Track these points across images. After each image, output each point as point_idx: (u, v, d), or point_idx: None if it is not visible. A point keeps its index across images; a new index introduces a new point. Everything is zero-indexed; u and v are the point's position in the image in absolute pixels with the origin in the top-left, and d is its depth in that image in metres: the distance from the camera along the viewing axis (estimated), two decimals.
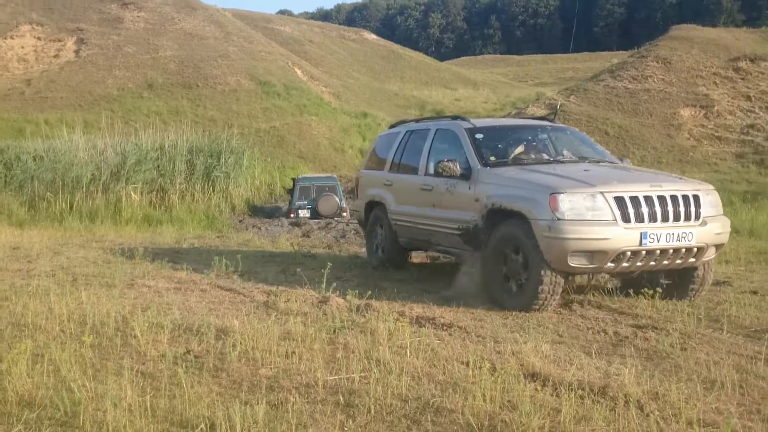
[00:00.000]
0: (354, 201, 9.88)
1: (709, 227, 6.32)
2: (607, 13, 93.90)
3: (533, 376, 4.21)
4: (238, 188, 21.81)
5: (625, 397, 3.83)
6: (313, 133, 31.81)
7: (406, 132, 8.88)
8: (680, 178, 6.87)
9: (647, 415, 3.63)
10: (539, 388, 4.04)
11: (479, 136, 7.60)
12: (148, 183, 19.69)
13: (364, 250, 10.64)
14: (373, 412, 3.77)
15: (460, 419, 3.63)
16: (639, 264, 6.18)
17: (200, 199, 19.93)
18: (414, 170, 8.28)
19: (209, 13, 41.63)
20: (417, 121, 9.49)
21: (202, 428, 3.60)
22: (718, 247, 6.57)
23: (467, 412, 3.65)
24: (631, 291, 6.73)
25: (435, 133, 8.21)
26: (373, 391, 3.94)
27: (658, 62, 33.33)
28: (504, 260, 6.53)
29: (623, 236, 5.96)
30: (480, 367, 4.25)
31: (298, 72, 38.87)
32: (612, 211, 6.00)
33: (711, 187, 6.71)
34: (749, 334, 5.32)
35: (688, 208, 6.24)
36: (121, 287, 6.97)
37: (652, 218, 6.08)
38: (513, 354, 4.63)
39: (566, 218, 5.96)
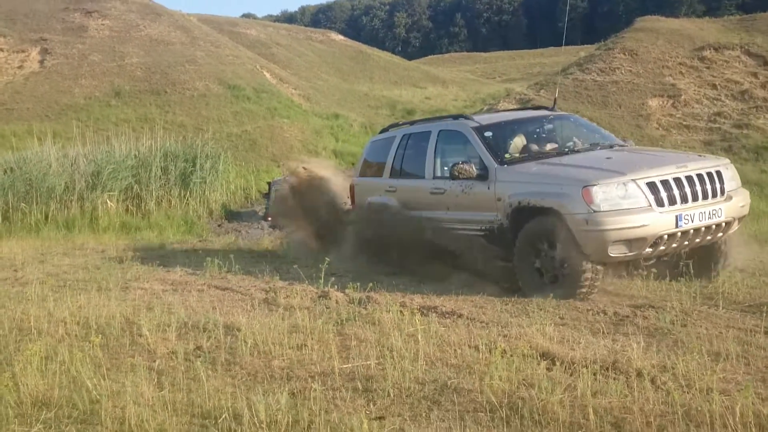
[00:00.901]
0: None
1: (734, 201, 6.45)
2: (570, 8, 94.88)
3: (543, 355, 4.32)
4: (214, 193, 21.69)
5: (636, 370, 3.95)
6: (285, 136, 31.66)
7: (404, 135, 8.70)
8: (699, 156, 6.92)
9: (659, 387, 3.74)
10: (551, 366, 4.14)
11: (488, 134, 7.49)
12: (124, 190, 19.54)
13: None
14: (392, 395, 3.84)
15: (479, 398, 3.72)
16: (674, 246, 6.24)
17: (177, 205, 19.80)
18: (420, 174, 8.11)
19: (174, 18, 41.28)
20: (411, 123, 9.37)
21: (225, 418, 3.64)
22: (740, 219, 6.70)
23: (486, 391, 3.74)
24: (624, 274, 6.84)
25: (438, 135, 8.05)
26: (391, 375, 4.01)
27: (624, 54, 33.78)
28: (536, 256, 6.48)
29: (660, 221, 6.00)
30: (491, 350, 4.35)
31: (267, 75, 38.69)
32: (646, 197, 6.03)
33: (728, 161, 6.79)
34: (744, 309, 5.49)
35: (714, 185, 6.32)
36: (116, 290, 6.94)
37: (684, 199, 6.13)
38: (519, 337, 4.73)
39: (602, 209, 5.95)
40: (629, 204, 6.00)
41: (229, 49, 40.16)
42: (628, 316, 5.38)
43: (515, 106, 30.73)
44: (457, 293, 6.46)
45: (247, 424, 3.52)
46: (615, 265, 6.50)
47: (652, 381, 3.80)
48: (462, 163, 7.18)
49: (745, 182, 22.67)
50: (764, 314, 4.99)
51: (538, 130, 7.89)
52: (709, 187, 6.28)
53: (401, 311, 5.35)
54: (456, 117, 8.29)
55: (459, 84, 44.17)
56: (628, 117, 30.07)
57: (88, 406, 3.86)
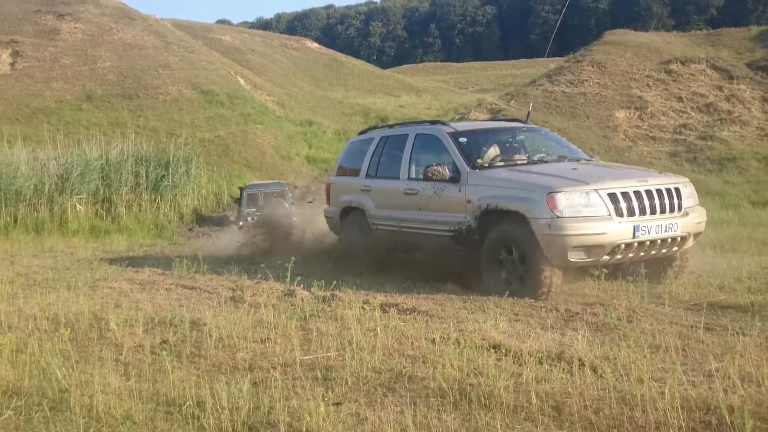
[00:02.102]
0: (327, 208, 9.93)
1: (690, 217, 6.78)
2: (542, 21, 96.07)
3: (494, 347, 4.54)
4: (185, 197, 21.73)
5: (580, 360, 4.19)
6: (258, 142, 31.74)
7: (381, 138, 9.01)
8: (660, 173, 7.26)
9: (600, 375, 3.98)
10: (501, 357, 4.37)
11: (463, 139, 7.80)
12: (93, 194, 19.52)
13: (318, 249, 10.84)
14: (350, 383, 4.04)
15: (431, 385, 3.94)
16: (631, 255, 6.54)
17: (148, 209, 19.83)
18: (395, 175, 8.40)
19: (148, 23, 41.18)
20: (390, 126, 9.68)
21: (189, 405, 3.81)
22: (696, 235, 7.02)
23: (438, 379, 3.95)
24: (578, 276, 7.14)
25: (415, 138, 8.35)
26: (349, 365, 4.21)
27: (593, 66, 34.41)
28: (501, 260, 6.80)
29: (618, 230, 6.29)
30: (446, 342, 4.57)
31: (241, 81, 38.73)
32: (606, 206, 6.33)
33: (687, 179, 7.15)
34: (689, 307, 5.78)
35: (672, 201, 6.65)
36: (84, 289, 7.07)
37: (643, 212, 6.45)
38: (474, 331, 4.95)
39: (564, 215, 6.26)
40: (590, 212, 6.31)
41: (203, 55, 40.16)
42: (578, 313, 5.64)
43: (486, 116, 31.17)
44: (418, 292, 6.69)
45: (210, 410, 3.69)
46: (573, 270, 6.80)
47: (594, 370, 4.04)
48: (436, 165, 7.48)
49: (709, 192, 23.31)
50: (705, 312, 5.27)
51: (510, 139, 8.25)
52: (667, 202, 6.61)
53: (363, 308, 5.56)
54: (433, 122, 8.66)
55: (432, 93, 44.57)
56: (595, 128, 30.63)
57: (58, 395, 4.00)
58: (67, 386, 4.11)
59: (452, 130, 7.99)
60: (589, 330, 5.02)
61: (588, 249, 6.30)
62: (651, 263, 6.99)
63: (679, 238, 6.69)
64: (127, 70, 34.98)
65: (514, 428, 3.36)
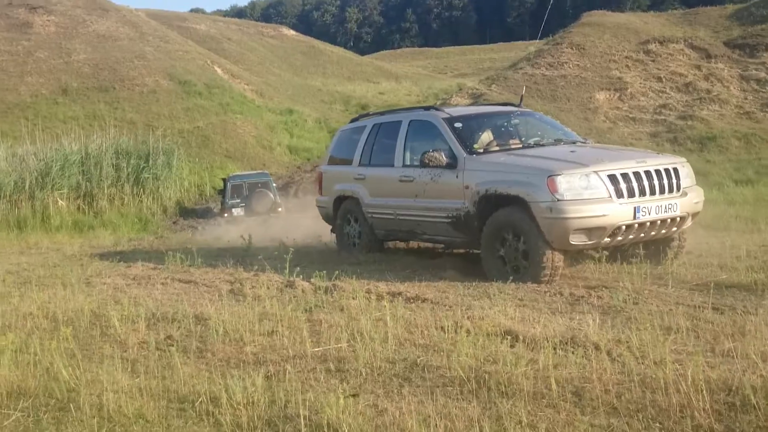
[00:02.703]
0: (319, 197, 9.84)
1: (688, 197, 6.78)
2: (519, 4, 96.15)
3: (505, 334, 4.51)
4: (168, 190, 21.53)
5: (593, 344, 4.18)
6: (238, 132, 31.48)
7: (374, 125, 8.90)
8: (657, 153, 7.22)
9: (615, 359, 3.97)
10: (513, 343, 4.34)
11: (458, 125, 7.70)
12: (75, 188, 19.27)
13: (310, 241, 10.79)
14: (364, 374, 4.00)
15: (447, 374, 3.90)
16: (631, 237, 6.52)
17: (131, 203, 19.62)
18: (389, 162, 8.30)
19: (122, 14, 40.61)
20: (382, 113, 9.53)
21: (202, 401, 3.75)
22: (694, 215, 7.04)
23: (454, 367, 3.92)
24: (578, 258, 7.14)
25: (409, 125, 8.25)
26: (362, 356, 4.16)
27: (572, 49, 34.46)
28: (502, 245, 6.73)
29: (619, 212, 6.27)
30: (456, 331, 4.54)
31: (218, 70, 38.37)
32: (607, 188, 6.29)
33: (684, 159, 7.13)
34: (692, 288, 5.79)
35: (670, 181, 6.63)
36: (79, 285, 6.94)
37: (643, 193, 6.42)
38: (482, 318, 4.92)
39: (566, 198, 6.21)
40: (591, 194, 6.26)
41: (179, 45, 39.73)
42: (583, 297, 5.63)
43: (468, 101, 31.14)
44: (419, 280, 6.64)
45: (225, 406, 3.63)
46: (574, 253, 6.79)
47: (608, 353, 4.02)
48: (432, 151, 7.38)
49: None
50: (711, 292, 5.27)
51: (505, 124, 8.19)
52: (666, 182, 6.58)
53: (367, 297, 5.51)
54: (427, 108, 8.56)
55: (412, 79, 44.44)
56: (576, 110, 30.71)
57: (66, 394, 3.92)
58: (74, 386, 4.03)
59: (447, 116, 7.93)
60: (596, 313, 5.01)
61: (589, 231, 6.26)
62: (650, 244, 6.97)
63: (678, 218, 6.68)
64: (102, 62, 34.51)
65: (537, 415, 3.33)
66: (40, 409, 3.83)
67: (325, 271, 6.61)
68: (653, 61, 33.46)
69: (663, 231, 6.69)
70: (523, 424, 3.21)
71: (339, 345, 4.44)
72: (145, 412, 3.72)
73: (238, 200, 20.30)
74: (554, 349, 4.09)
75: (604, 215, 6.22)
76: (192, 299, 6.17)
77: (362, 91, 38.41)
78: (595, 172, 6.32)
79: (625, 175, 6.38)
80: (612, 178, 6.33)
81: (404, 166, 8.07)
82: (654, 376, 3.57)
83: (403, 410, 3.44)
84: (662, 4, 73.73)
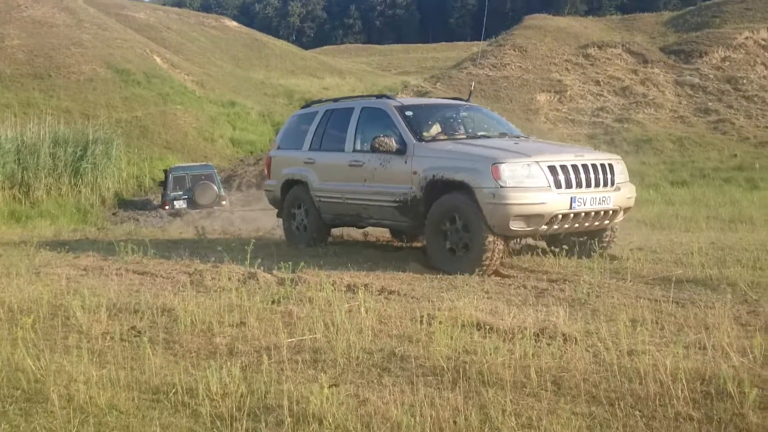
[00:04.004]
0: (267, 181, 9.90)
1: (621, 192, 7.15)
2: (461, 5, 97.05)
3: (476, 325, 4.56)
4: (106, 180, 20.97)
5: (563, 335, 4.26)
6: (179, 123, 30.85)
7: (326, 111, 9.04)
8: (594, 150, 7.58)
9: (587, 349, 4.06)
10: (486, 334, 4.39)
11: (409, 113, 7.94)
12: (9, 177, 18.59)
13: (262, 233, 10.70)
14: (342, 364, 3.98)
15: (426, 363, 3.92)
16: (567, 226, 6.86)
17: (69, 193, 19.05)
18: (339, 148, 8.43)
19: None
20: (335, 100, 9.66)
21: (176, 392, 3.67)
22: (626, 210, 7.40)
23: (432, 357, 3.94)
24: (539, 251, 7.30)
25: (361, 111, 8.43)
26: (340, 347, 4.14)
27: (515, 50, 35.04)
28: (445, 229, 6.97)
29: (557, 201, 6.59)
30: (430, 322, 4.56)
31: (158, 60, 37.52)
32: (546, 178, 6.61)
33: (619, 157, 7.50)
34: (649, 282, 5.97)
35: (605, 176, 6.98)
36: (29, 276, 6.70)
37: (579, 184, 6.76)
38: (452, 309, 4.95)
39: (508, 185, 6.49)
40: (531, 183, 6.58)
41: (118, 33, 38.70)
42: (546, 289, 5.73)
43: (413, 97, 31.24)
44: (383, 273, 6.65)
45: (203, 397, 3.56)
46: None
47: (581, 344, 4.11)
48: (383, 136, 7.57)
49: (628, 173, 23.90)
50: (672, 286, 5.44)
51: (454, 115, 8.46)
52: (601, 176, 6.93)
53: (333, 289, 5.48)
54: (379, 96, 8.78)
55: (356, 75, 44.38)
56: (518, 111, 31.21)
57: (33, 385, 3.78)
58: (40, 376, 3.89)
59: (399, 104, 8.16)
60: (561, 305, 5.11)
61: (528, 218, 6.59)
62: (583, 235, 7.33)
63: (611, 211, 7.04)
64: (37, 49, 33.34)
65: (519, 404, 3.37)
66: (5, 401, 3.68)
67: (287, 263, 6.56)
68: (592, 64, 34.31)
69: (596, 223, 7.05)
70: (507, 412, 3.25)
71: (314, 336, 4.40)
72: (117, 403, 3.62)
73: (181, 192, 19.92)
74: (526, 339, 4.15)
75: (542, 203, 6.55)
76: (152, 290, 6.02)
77: (306, 85, 38.17)
78: (537, 162, 6.65)
79: (563, 167, 6.71)
80: (552, 168, 6.66)
81: (354, 151, 8.24)
82: (629, 365, 3.66)
83: (386, 400, 3.44)
84: (599, 10, 75.65)
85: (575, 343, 4.05)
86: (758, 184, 18.72)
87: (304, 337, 4.40)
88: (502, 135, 8.09)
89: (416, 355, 4.03)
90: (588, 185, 6.80)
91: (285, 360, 4.08)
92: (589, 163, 6.88)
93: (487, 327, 4.50)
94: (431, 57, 57.67)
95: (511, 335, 4.30)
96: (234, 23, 55.53)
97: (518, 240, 7.77)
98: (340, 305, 4.85)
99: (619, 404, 3.29)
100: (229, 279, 6.31)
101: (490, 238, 6.58)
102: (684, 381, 3.37)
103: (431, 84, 32.18)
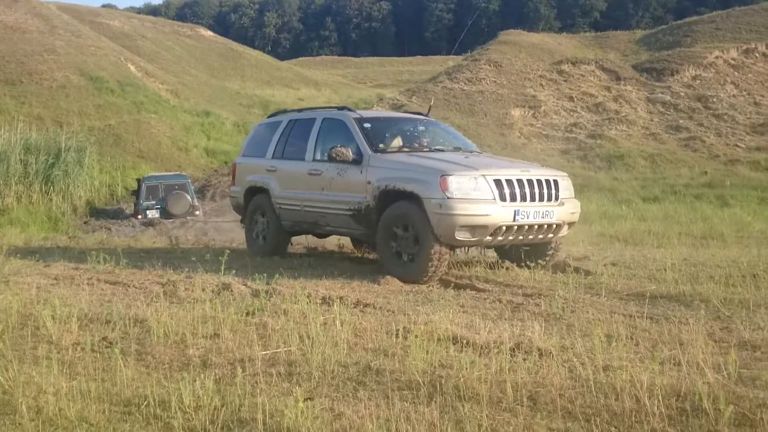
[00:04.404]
0: (232, 188, 10.14)
1: (565, 207, 7.40)
2: (436, 19, 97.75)
3: (452, 339, 4.55)
4: (78, 189, 20.69)
5: (539, 350, 4.27)
6: (152, 132, 30.58)
7: (290, 121, 9.27)
8: (541, 166, 7.89)
9: (562, 365, 4.06)
10: (461, 349, 4.38)
11: (367, 125, 8.20)
12: None
13: (236, 244, 10.62)
14: (316, 378, 3.94)
15: (402, 377, 3.90)
16: (511, 238, 7.10)
17: (40, 201, 18.75)
18: (300, 157, 8.67)
19: (32, 5, 38.86)
20: (299, 111, 9.84)
21: (148, 404, 3.61)
22: (570, 224, 7.66)
23: (408, 372, 3.92)
24: (514, 266, 7.36)
25: (322, 122, 8.66)
26: (315, 360, 4.10)
27: (490, 65, 35.30)
28: (395, 236, 7.22)
29: (501, 213, 6.85)
30: (405, 336, 4.55)
31: (132, 68, 37.23)
32: (492, 191, 6.87)
33: (565, 174, 7.79)
34: (623, 297, 6.01)
35: (549, 191, 7.24)
36: None
37: (524, 198, 7.01)
38: (427, 323, 4.94)
39: (455, 197, 6.74)
40: (477, 195, 6.85)
41: (91, 40, 38.37)
42: (521, 304, 5.74)
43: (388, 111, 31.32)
44: (358, 285, 6.63)
45: (175, 409, 3.50)
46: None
47: (556, 359, 4.11)
48: (340, 146, 7.84)
49: (600, 189, 24.22)
50: (647, 302, 5.48)
51: (411, 129, 8.77)
52: (545, 191, 7.20)
53: (309, 302, 5.44)
54: (341, 108, 9.01)
55: (331, 87, 44.44)
56: (493, 125, 31.41)
57: (1, 396, 3.70)
58: (8, 388, 3.80)
59: (358, 116, 8.42)
60: (536, 320, 5.12)
61: (473, 229, 6.82)
62: (528, 247, 7.66)
63: (554, 225, 7.29)
64: (9, 54, 32.91)
65: (495, 419, 3.36)
66: None
67: (261, 275, 6.51)
68: (566, 81, 34.68)
69: (540, 236, 7.30)
70: (483, 427, 3.24)
71: (288, 348, 4.36)
72: (87, 416, 3.54)
73: (153, 202, 19.73)
74: (501, 354, 4.14)
75: (487, 215, 6.81)
76: (124, 300, 5.93)
77: (281, 96, 38.11)
78: (483, 175, 6.93)
79: (509, 181, 6.99)
80: (497, 182, 6.93)
81: (314, 160, 8.49)
82: (604, 381, 3.67)
83: (362, 414, 3.41)
84: (572, 27, 76.62)
85: (551, 358, 4.05)
86: (728, 202, 19.01)
87: (279, 350, 4.35)
88: (456, 149, 8.37)
89: (392, 369, 4.00)
90: (532, 199, 7.06)
91: (259, 372, 4.02)
92: (534, 179, 7.15)
93: (463, 341, 4.49)
94: (407, 70, 58.01)
95: (487, 350, 4.29)
96: (209, 33, 55.35)
97: (466, 250, 8.08)
98: (315, 318, 4.82)
99: (595, 420, 3.30)
100: (203, 290, 6.24)
101: (437, 247, 6.83)
102: (660, 397, 3.39)
103: (407, 97, 32.29)
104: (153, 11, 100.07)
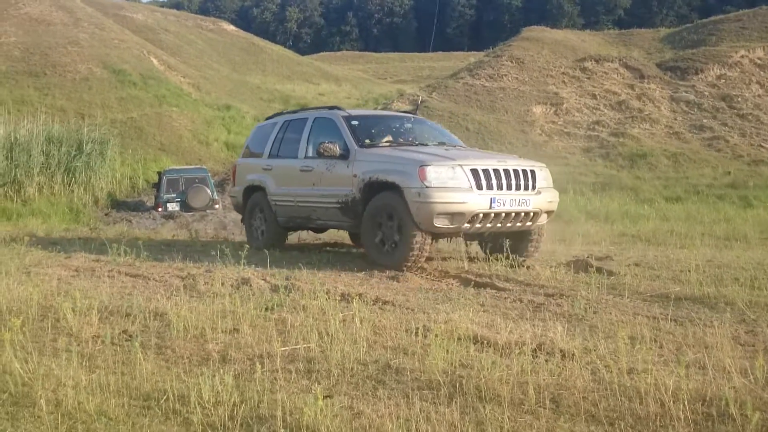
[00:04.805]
0: (232, 187, 10.72)
1: (542, 196, 7.71)
2: (458, 15, 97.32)
3: (473, 339, 4.49)
4: (100, 181, 20.86)
5: (561, 352, 4.20)
6: (174, 125, 30.75)
7: (284, 122, 9.78)
8: (520, 158, 8.19)
9: (585, 366, 3.99)
10: (481, 348, 4.33)
11: (355, 122, 8.64)
12: (1, 175, 18.46)
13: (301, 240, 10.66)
14: (336, 375, 3.91)
15: (421, 377, 3.85)
16: (489, 225, 7.44)
17: (61, 192, 18.93)
18: (294, 155, 9.14)
19: None
20: (294, 112, 10.36)
21: (168, 399, 3.60)
22: (549, 213, 7.96)
23: (427, 371, 3.88)
24: (535, 265, 7.29)
25: (314, 122, 9.14)
26: (335, 357, 4.07)
27: (512, 62, 35.10)
28: (379, 225, 7.61)
29: (477, 200, 7.19)
30: (425, 334, 4.50)
31: (155, 61, 37.46)
32: (468, 180, 7.20)
33: (544, 165, 8.08)
34: (646, 299, 5.91)
35: (526, 181, 7.57)
36: (19, 276, 6.60)
37: (500, 187, 7.35)
38: (447, 322, 4.89)
39: (432, 186, 7.09)
40: (454, 184, 7.17)
41: (115, 33, 38.63)
42: (543, 304, 5.67)
43: (409, 107, 31.23)
44: (377, 283, 6.60)
45: (194, 405, 3.49)
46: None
47: (578, 361, 4.05)
48: (328, 142, 8.24)
49: (623, 187, 23.95)
50: (671, 304, 5.39)
51: (397, 125, 9.16)
52: (522, 182, 7.53)
53: (327, 298, 5.42)
54: (331, 108, 9.42)
55: (352, 82, 44.39)
56: (514, 122, 31.23)
57: (21, 389, 3.70)
58: (28, 380, 3.81)
59: (346, 115, 8.85)
60: (558, 321, 5.05)
61: (451, 216, 7.17)
62: (517, 238, 7.99)
63: (532, 213, 7.62)
64: (33, 47, 33.24)
65: (517, 421, 3.31)
66: None
67: (281, 270, 6.49)
68: (588, 78, 34.39)
69: (519, 224, 7.63)
70: (504, 430, 3.19)
71: (307, 344, 4.33)
72: (106, 409, 3.54)
73: (174, 195, 19.85)
74: (523, 354, 4.09)
75: (464, 202, 7.15)
76: (144, 293, 5.94)
77: (302, 91, 38.14)
78: (460, 165, 7.25)
79: (485, 171, 7.30)
80: (474, 172, 7.25)
81: (306, 158, 8.91)
82: (628, 384, 3.61)
83: (381, 413, 3.37)
84: (596, 24, 76.01)
85: (573, 360, 3.98)
86: (752, 203, 18.75)
87: (298, 346, 4.32)
88: (440, 144, 8.69)
89: (411, 368, 3.96)
90: (508, 188, 7.39)
91: (278, 369, 4.00)
92: (511, 169, 7.48)
93: (484, 341, 4.44)
94: (427, 66, 57.80)
95: (508, 350, 4.23)
96: (232, 27, 55.53)
97: (449, 239, 8.38)
98: (334, 314, 4.79)
99: (619, 424, 3.24)
100: (222, 284, 6.23)
101: (418, 235, 7.19)
102: (685, 402, 3.32)
103: (427, 93, 32.22)
104: (176, 5, 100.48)
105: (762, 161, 25.88)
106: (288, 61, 48.51)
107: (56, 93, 30.67)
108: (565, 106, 32.58)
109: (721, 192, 21.33)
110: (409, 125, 9.20)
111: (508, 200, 7.33)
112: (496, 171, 7.34)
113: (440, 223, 7.12)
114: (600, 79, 33.43)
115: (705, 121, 29.60)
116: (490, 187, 7.25)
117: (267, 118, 10.79)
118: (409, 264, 7.23)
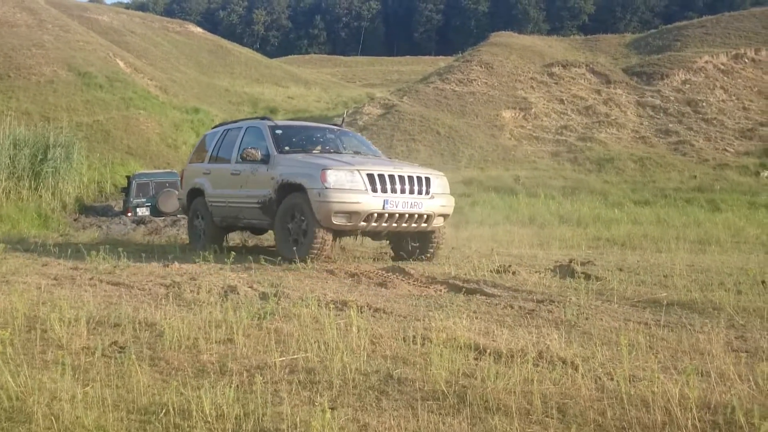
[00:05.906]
0: (180, 191, 11.54)
1: (436, 200, 8.64)
2: (425, 20, 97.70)
3: (471, 347, 4.47)
4: (67, 185, 20.45)
5: (561, 360, 4.20)
6: (141, 128, 30.34)
7: (225, 130, 10.73)
8: (418, 166, 9.05)
9: (586, 374, 4.00)
10: (480, 356, 4.31)
11: (279, 131, 9.59)
12: None
13: (232, 243, 10.55)
14: (338, 386, 3.86)
15: (425, 387, 3.82)
16: (384, 224, 8.33)
17: (29, 197, 18.50)
18: (227, 160, 10.07)
19: None
20: (235, 121, 11.15)
21: (167, 412, 3.52)
22: (444, 217, 8.89)
23: (430, 381, 3.85)
24: (520, 270, 7.30)
25: (246, 130, 10.04)
26: (336, 367, 4.02)
27: (481, 67, 35.32)
28: (290, 221, 8.48)
29: (371, 201, 8.12)
30: (422, 343, 4.47)
31: (121, 63, 36.93)
32: (364, 183, 8.15)
33: (441, 173, 9.03)
34: (634, 304, 5.96)
35: (420, 186, 8.49)
36: None
37: (393, 190, 8.28)
38: (443, 329, 4.86)
39: (332, 187, 8.02)
40: (351, 186, 8.11)
41: (80, 35, 38.02)
42: (534, 310, 5.68)
43: (380, 111, 31.23)
44: (366, 289, 6.55)
45: (195, 419, 3.41)
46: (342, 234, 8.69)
47: (577, 369, 4.05)
48: (250, 148, 9.21)
49: (592, 191, 24.21)
50: (663, 310, 5.44)
51: (319, 135, 10.19)
52: (416, 187, 8.46)
53: (319, 305, 5.36)
54: (262, 118, 10.32)
55: (321, 86, 44.25)
56: (484, 126, 31.41)
57: (14, 403, 3.59)
58: (20, 394, 3.69)
59: (272, 124, 9.77)
60: (551, 327, 5.07)
61: (348, 215, 8.11)
62: (420, 240, 9.11)
63: (425, 216, 8.53)
64: None
65: None
66: None
67: (263, 278, 6.41)
68: (556, 83, 34.78)
69: (414, 224, 8.56)
70: None
71: (306, 354, 4.28)
72: (104, 424, 3.44)
73: (144, 199, 19.58)
74: (526, 364, 4.08)
75: (358, 202, 8.08)
76: (130, 303, 5.81)
77: (271, 94, 37.91)
78: (357, 170, 8.22)
79: (381, 176, 8.25)
80: (370, 176, 8.20)
81: (236, 162, 9.74)
82: (634, 393, 3.62)
83: (388, 425, 3.33)
84: (561, 30, 76.83)
85: (575, 369, 3.98)
86: (719, 206, 19.10)
87: (296, 356, 4.26)
88: (356, 153, 9.64)
89: (414, 378, 3.93)
90: (402, 192, 8.33)
91: (278, 380, 3.94)
92: (405, 175, 8.41)
93: (484, 349, 4.42)
94: (396, 70, 57.93)
95: (509, 358, 4.22)
96: (199, 29, 55.03)
97: (355, 238, 9.30)
98: (329, 323, 4.73)
99: None
100: (209, 292, 6.13)
101: (319, 231, 8.10)
102: (693, 410, 3.34)
103: (398, 97, 32.26)
104: (141, 6, 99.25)
105: (727, 165, 26.40)
106: (256, 64, 48.19)
107: (21, 96, 30.07)
108: (533, 110, 32.89)
109: (689, 196, 21.70)
110: (332, 135, 10.18)
111: (401, 202, 8.25)
112: (391, 176, 8.27)
113: (338, 220, 8.05)
114: (567, 84, 33.83)
115: (671, 125, 30.11)
116: (384, 190, 8.18)
117: (213, 127, 11.82)
118: (312, 257, 8.02)
